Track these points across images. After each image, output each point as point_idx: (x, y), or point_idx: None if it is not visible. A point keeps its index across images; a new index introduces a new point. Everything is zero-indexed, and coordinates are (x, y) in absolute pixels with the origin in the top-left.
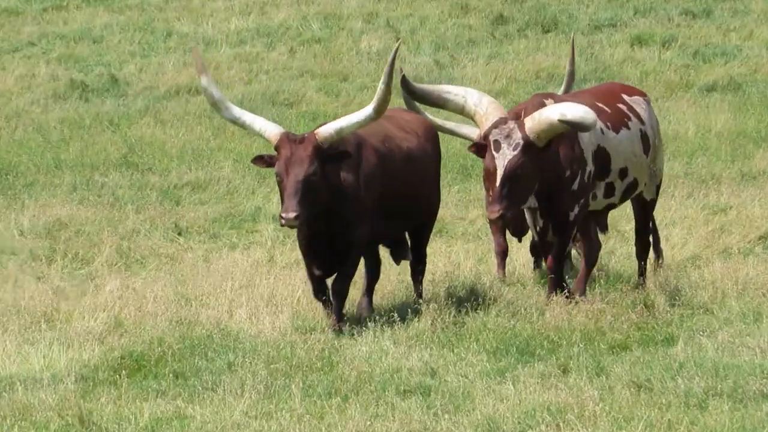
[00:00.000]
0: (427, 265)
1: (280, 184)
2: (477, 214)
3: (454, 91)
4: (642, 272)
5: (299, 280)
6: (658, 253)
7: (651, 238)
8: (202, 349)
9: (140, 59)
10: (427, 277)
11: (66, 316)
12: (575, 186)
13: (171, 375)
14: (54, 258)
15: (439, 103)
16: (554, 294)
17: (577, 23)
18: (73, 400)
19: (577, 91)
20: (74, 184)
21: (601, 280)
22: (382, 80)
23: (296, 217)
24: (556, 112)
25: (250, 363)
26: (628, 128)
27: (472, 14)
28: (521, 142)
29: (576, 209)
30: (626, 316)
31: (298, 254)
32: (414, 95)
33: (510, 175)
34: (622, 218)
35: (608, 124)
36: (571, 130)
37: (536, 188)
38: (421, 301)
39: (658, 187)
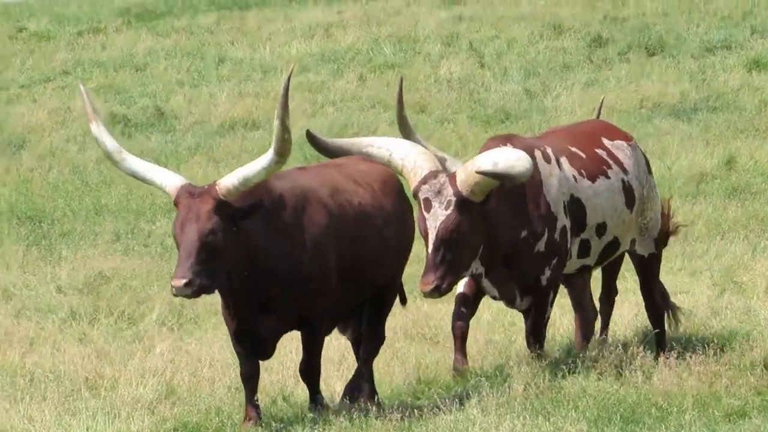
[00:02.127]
0: (381, 345)
1: (177, 245)
2: None
3: (377, 144)
4: (660, 344)
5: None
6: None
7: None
8: (266, 419)
9: (189, 89)
10: (519, 334)
11: (111, 382)
12: (540, 246)
13: None
14: (97, 317)
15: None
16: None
17: (686, 45)
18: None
19: (551, 131)
20: (117, 232)
21: (714, 339)
22: (276, 115)
23: (187, 284)
24: (488, 160)
25: None
26: (608, 177)
27: (567, 36)
28: (453, 198)
29: (547, 272)
30: (744, 380)
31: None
32: (327, 152)
33: (444, 238)
34: (740, 268)
35: (582, 171)
36: (507, 182)
37: (481, 251)
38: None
39: (656, 241)
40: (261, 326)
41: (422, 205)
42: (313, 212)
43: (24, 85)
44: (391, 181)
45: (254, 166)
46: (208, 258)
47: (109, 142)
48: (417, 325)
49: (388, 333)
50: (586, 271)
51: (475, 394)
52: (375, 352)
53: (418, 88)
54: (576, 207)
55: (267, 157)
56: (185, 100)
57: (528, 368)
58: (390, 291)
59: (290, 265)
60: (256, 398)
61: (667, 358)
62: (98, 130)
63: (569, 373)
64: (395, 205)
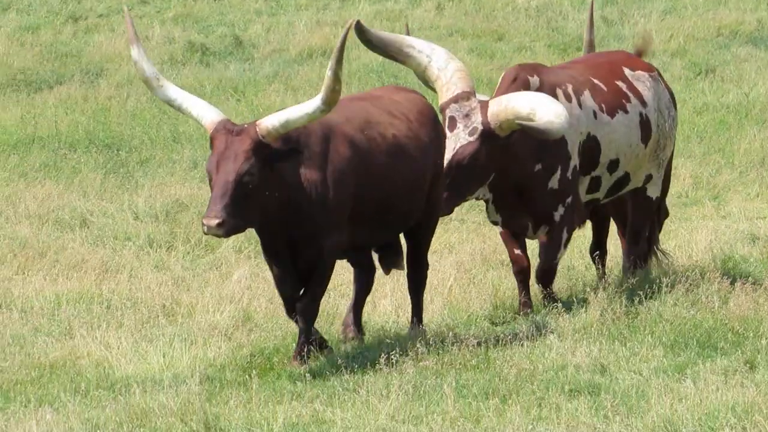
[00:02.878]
0: (427, 276)
1: (210, 183)
2: None
3: (418, 47)
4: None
5: (451, 266)
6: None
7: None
8: (342, 344)
9: (267, 18)
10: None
11: (188, 309)
12: (554, 183)
13: (307, 375)
14: (174, 244)
15: (399, 56)
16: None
17: None
18: (198, 403)
19: (574, 61)
20: (195, 159)
21: None
22: (329, 66)
23: (219, 225)
24: (526, 105)
25: (397, 360)
26: (626, 111)
27: None
28: (480, 127)
29: (561, 209)
30: None
31: (450, 238)
32: (370, 44)
33: (458, 162)
34: None
35: (602, 105)
36: (538, 136)
37: (490, 179)
38: (421, 327)
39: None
40: (287, 256)
41: (446, 122)
42: (338, 146)
43: (102, 15)
44: (427, 111)
45: (298, 110)
46: (242, 198)
47: (148, 68)
48: (496, 251)
49: (465, 258)
50: (594, 203)
51: (552, 320)
52: (424, 283)
53: (496, 16)
54: (592, 145)
55: (313, 104)
56: (263, 28)
57: (604, 294)
58: (430, 219)
59: (314, 196)
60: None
61: (744, 284)
62: (138, 54)
63: (645, 299)
64: (432, 134)
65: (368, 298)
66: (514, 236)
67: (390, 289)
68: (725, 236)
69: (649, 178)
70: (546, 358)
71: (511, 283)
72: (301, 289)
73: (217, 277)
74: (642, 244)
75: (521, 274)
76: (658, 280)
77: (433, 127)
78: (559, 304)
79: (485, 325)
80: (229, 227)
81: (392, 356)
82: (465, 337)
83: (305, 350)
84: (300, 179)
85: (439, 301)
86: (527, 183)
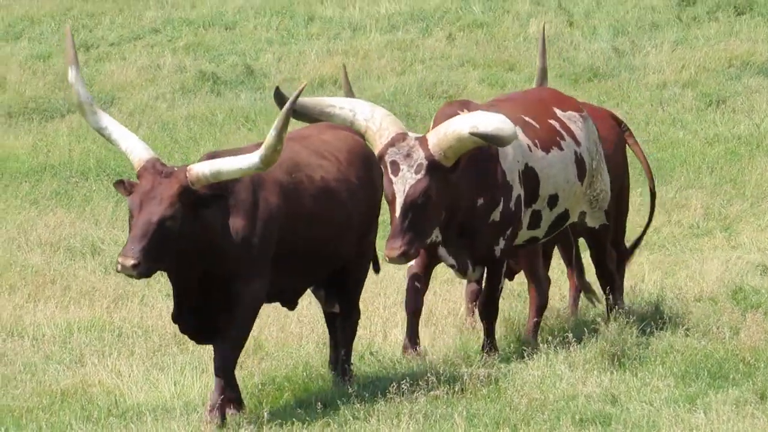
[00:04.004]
0: (358, 322)
1: (130, 220)
2: (663, 221)
3: (339, 104)
4: (610, 308)
5: (460, 296)
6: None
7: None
8: (354, 372)
9: (278, 47)
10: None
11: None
12: (496, 216)
13: (318, 403)
14: None
15: (322, 118)
16: (487, 350)
17: None
18: (210, 430)
19: (499, 99)
20: None
21: None
22: (274, 126)
23: (134, 266)
24: (466, 123)
25: (408, 389)
26: (561, 149)
27: None
28: (425, 162)
29: (501, 243)
30: None
31: None
32: (293, 112)
33: (412, 202)
34: None
35: (536, 141)
36: (485, 145)
37: (443, 218)
38: (347, 366)
39: (607, 213)
40: (200, 306)
41: (389, 169)
42: (267, 192)
43: (113, 43)
44: (357, 150)
45: (233, 163)
46: (161, 243)
47: (83, 93)
48: (507, 283)
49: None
50: (534, 242)
51: (563, 349)
52: (354, 332)
53: (507, 46)
54: (530, 176)
55: (250, 160)
56: (274, 57)
57: (615, 324)
58: (360, 264)
59: (239, 245)
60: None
61: (755, 314)
62: (75, 77)
63: (657, 329)
64: (362, 174)
65: (379, 328)
66: (423, 280)
67: (401, 318)
68: (736, 267)
69: (583, 214)
70: (557, 387)
71: (521, 312)
72: (208, 341)
73: None
74: (610, 267)
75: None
76: (669, 310)
77: (364, 167)
78: (497, 352)
79: (496, 354)
80: (142, 269)
81: (403, 385)
82: (475, 366)
83: (221, 405)
84: (225, 225)
85: (449, 330)
86: (470, 218)
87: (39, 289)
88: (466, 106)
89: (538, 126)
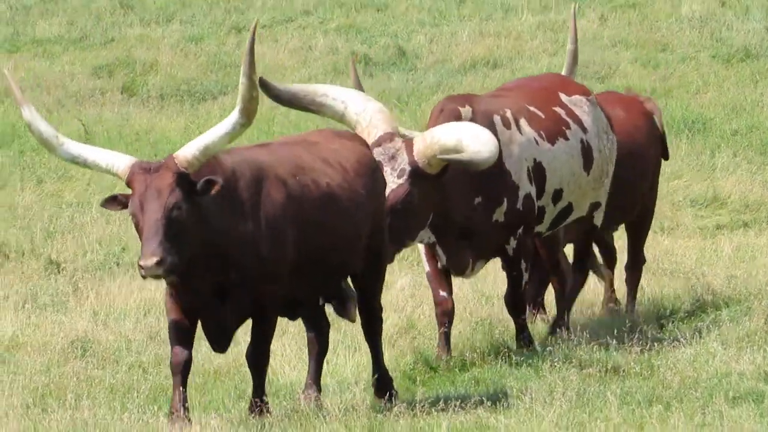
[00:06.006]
0: (383, 320)
1: (137, 227)
2: None
3: (332, 94)
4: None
5: (617, 275)
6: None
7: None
8: (505, 352)
9: (431, 29)
10: (760, 269)
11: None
12: (499, 216)
13: (471, 381)
14: None
15: (313, 107)
16: (524, 343)
17: None
18: (362, 410)
19: (504, 87)
20: None
21: None
22: (242, 72)
23: (159, 263)
24: (451, 137)
25: (560, 367)
26: (566, 139)
27: None
28: (407, 167)
29: (513, 241)
30: None
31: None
32: (279, 99)
33: (392, 207)
34: None
35: (542, 133)
36: (469, 168)
37: (430, 220)
38: (377, 374)
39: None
40: (216, 314)
41: None
42: (270, 190)
43: (265, 26)
44: (365, 160)
45: (216, 132)
46: (175, 234)
47: (45, 128)
48: (657, 259)
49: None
50: (536, 236)
51: (715, 327)
52: (379, 335)
53: (660, 26)
54: (538, 171)
55: (231, 120)
56: (426, 39)
57: None
58: (375, 268)
59: (246, 248)
60: (183, 392)
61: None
62: (30, 115)
63: None
64: (369, 185)
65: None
66: (442, 278)
67: (551, 297)
68: None
69: (595, 206)
70: (709, 365)
71: (673, 290)
72: (217, 341)
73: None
74: (584, 270)
75: (445, 316)
76: None
77: (371, 177)
78: (535, 344)
79: (649, 332)
80: (168, 265)
81: (556, 363)
82: (628, 344)
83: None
84: (232, 227)
85: (599, 308)
86: (469, 218)
87: None
88: (468, 100)
89: (543, 115)
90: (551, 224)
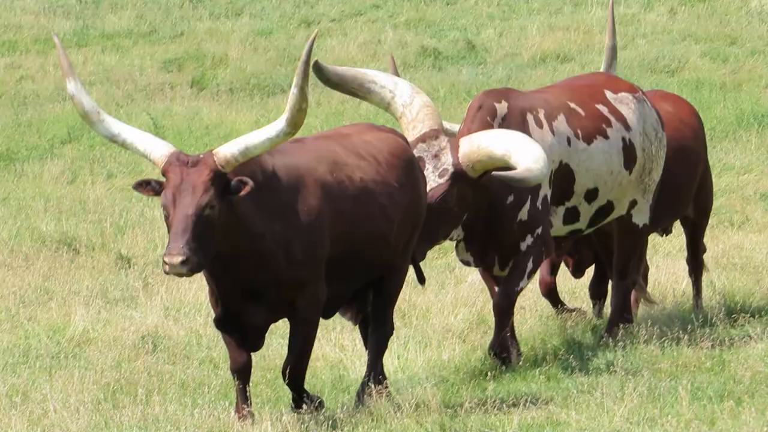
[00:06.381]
0: (392, 333)
1: (167, 219)
2: None
3: (381, 82)
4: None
5: (682, 270)
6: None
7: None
8: (576, 347)
9: (500, 23)
10: None
11: (423, 312)
12: (523, 215)
13: (542, 377)
14: None
15: (360, 92)
16: (494, 351)
17: None
18: (433, 405)
19: (551, 85)
20: None
21: None
22: (294, 82)
23: (183, 262)
24: (500, 147)
25: (631, 363)
26: (606, 137)
27: None
28: (450, 168)
29: (529, 239)
30: None
31: (681, 242)
32: (329, 83)
33: (429, 206)
34: None
35: (579, 131)
36: (515, 185)
37: (464, 218)
38: (368, 387)
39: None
40: (248, 314)
41: None
42: (308, 193)
43: (335, 19)
44: (400, 152)
45: (259, 136)
46: (204, 233)
47: (87, 102)
48: (727, 254)
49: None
50: (578, 234)
51: None
52: (384, 345)
53: (729, 20)
54: (565, 174)
55: (276, 127)
56: (496, 33)
57: None
58: (397, 271)
59: (281, 249)
60: (248, 392)
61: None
62: (75, 87)
63: None
64: (403, 178)
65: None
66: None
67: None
68: None
69: (633, 204)
70: None
71: (744, 285)
72: (248, 340)
73: (452, 281)
74: (631, 277)
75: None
76: None
77: (406, 171)
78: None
79: (720, 327)
80: (193, 264)
81: (627, 358)
82: (699, 339)
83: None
84: (266, 225)
85: (670, 302)
86: (498, 216)
87: None
88: (505, 95)
89: (583, 113)
90: (590, 222)
